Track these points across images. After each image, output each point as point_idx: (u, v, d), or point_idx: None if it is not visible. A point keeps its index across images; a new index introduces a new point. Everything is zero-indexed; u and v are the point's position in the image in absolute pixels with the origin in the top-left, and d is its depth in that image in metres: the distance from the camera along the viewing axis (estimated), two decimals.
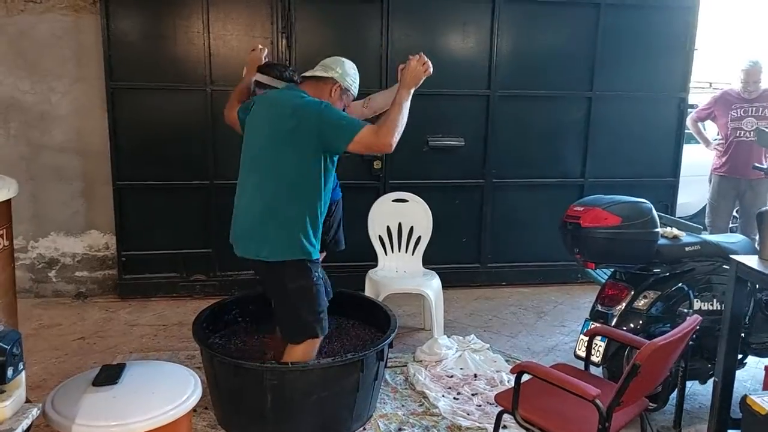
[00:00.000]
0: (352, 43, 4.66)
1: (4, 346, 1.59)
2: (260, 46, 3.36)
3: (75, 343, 3.98)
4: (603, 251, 2.97)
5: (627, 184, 4.94)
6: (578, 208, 3.01)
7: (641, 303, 3.06)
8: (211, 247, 4.74)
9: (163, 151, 4.59)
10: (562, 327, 4.39)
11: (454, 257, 4.99)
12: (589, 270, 4.18)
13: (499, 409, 2.43)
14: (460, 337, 3.95)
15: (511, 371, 2.30)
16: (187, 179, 4.66)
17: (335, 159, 2.74)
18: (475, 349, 3.82)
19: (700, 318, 2.24)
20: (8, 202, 2.55)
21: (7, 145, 4.55)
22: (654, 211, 3.01)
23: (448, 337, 3.91)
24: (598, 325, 3.02)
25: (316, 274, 2.74)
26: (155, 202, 4.69)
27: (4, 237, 2.48)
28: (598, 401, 2.04)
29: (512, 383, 3.41)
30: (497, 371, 3.60)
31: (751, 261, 2.37)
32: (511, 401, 2.29)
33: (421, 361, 3.69)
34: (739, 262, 2.38)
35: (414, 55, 2.76)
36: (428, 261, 4.24)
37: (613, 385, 2.53)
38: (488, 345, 3.89)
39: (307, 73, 2.84)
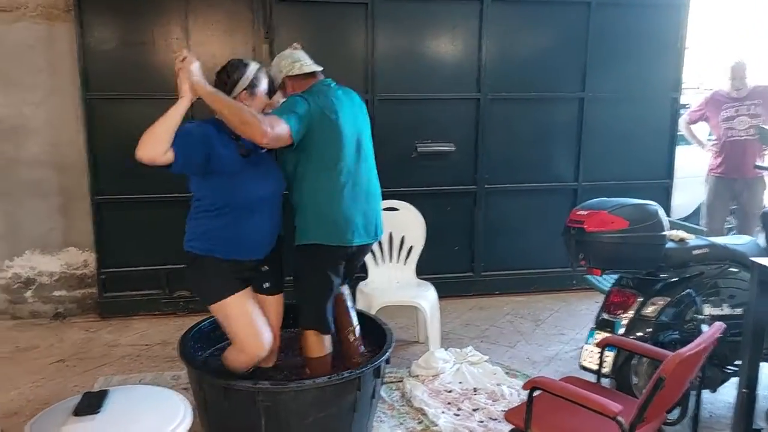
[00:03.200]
0: (336, 48, 4.51)
1: None
2: (186, 51, 2.67)
3: (53, 366, 3.77)
4: (610, 257, 2.82)
5: (621, 187, 4.81)
6: (582, 212, 2.87)
7: (650, 310, 2.93)
8: None
9: (143, 163, 4.37)
10: (561, 336, 4.25)
11: (446, 266, 4.83)
12: (590, 277, 4.07)
13: (510, 427, 2.28)
14: (457, 350, 3.80)
15: (524, 387, 2.16)
16: (169, 192, 4.46)
17: None
18: (473, 362, 3.68)
19: (724, 325, 2.11)
20: None
21: None
22: (661, 213, 2.88)
23: (445, 349, 3.77)
24: (605, 334, 2.89)
25: None
26: (136, 216, 4.49)
27: None
28: (620, 418, 1.90)
29: (514, 396, 3.33)
30: (498, 384, 3.46)
31: None
32: (524, 419, 2.14)
33: (417, 375, 3.54)
34: (762, 265, 2.25)
35: None
36: (419, 271, 4.10)
37: (628, 398, 2.41)
38: (486, 357, 3.75)
39: (320, 68, 2.93)
